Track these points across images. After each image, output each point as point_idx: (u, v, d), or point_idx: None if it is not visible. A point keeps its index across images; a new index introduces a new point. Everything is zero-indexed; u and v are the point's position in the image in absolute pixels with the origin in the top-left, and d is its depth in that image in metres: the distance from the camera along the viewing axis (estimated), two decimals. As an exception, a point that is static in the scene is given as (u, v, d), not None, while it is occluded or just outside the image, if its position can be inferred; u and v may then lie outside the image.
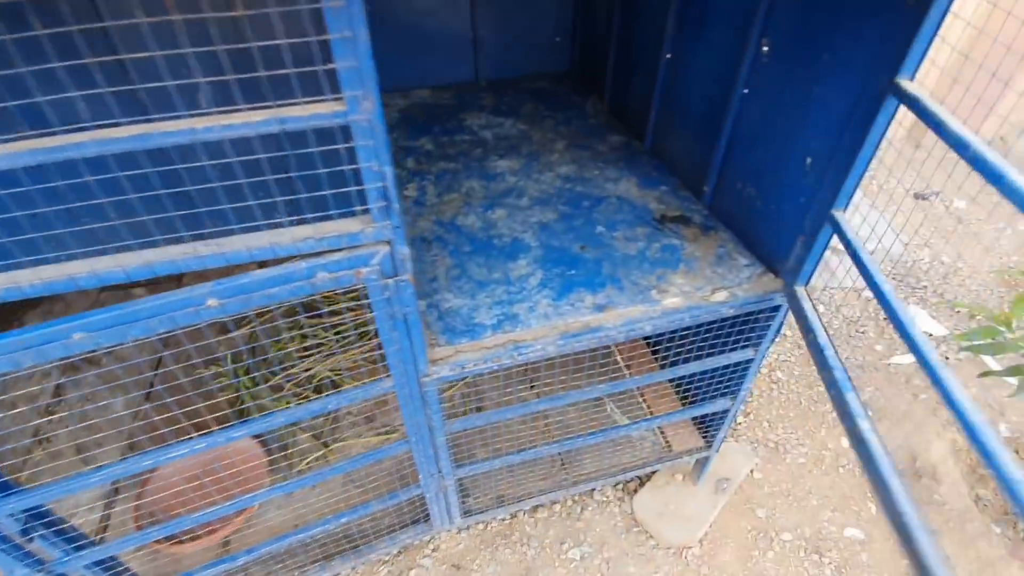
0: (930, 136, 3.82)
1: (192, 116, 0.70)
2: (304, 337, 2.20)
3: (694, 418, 1.99)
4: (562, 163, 1.91)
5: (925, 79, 1.01)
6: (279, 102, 0.74)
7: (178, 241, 0.82)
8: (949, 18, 0.93)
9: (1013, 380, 2.01)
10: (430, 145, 2.03)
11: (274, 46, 0.72)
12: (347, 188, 0.84)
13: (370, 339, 2.04)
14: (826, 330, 1.20)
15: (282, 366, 2.14)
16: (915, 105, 0.94)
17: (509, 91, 2.44)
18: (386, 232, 0.90)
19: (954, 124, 0.87)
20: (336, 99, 0.74)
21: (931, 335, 2.75)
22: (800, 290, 1.29)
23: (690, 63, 1.67)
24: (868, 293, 1.02)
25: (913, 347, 0.94)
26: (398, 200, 0.86)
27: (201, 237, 0.82)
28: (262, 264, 0.87)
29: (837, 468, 2.26)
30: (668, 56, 1.76)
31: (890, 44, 0.99)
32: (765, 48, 1.36)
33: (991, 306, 2.86)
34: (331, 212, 0.88)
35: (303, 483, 1.31)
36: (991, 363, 2.56)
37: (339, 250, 0.90)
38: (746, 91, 1.44)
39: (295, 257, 0.89)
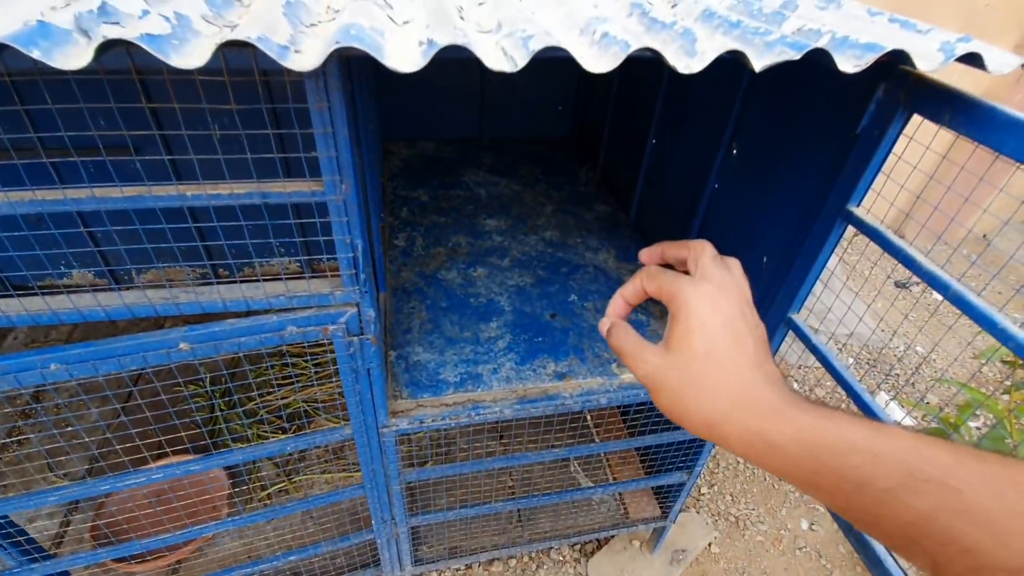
0: (911, 228, 3.91)
1: (182, 184, 0.78)
2: (285, 366, 2.26)
3: (654, 488, 2.02)
4: (548, 227, 2.00)
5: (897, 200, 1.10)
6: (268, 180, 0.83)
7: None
8: (907, 150, 1.01)
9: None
10: (426, 197, 2.14)
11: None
12: (322, 256, 0.92)
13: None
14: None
15: (259, 392, 2.18)
16: (865, 229, 1.02)
17: (509, 151, 2.56)
18: (354, 296, 0.97)
19: (896, 240, 0.96)
20: (315, 181, 0.83)
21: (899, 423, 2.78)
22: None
23: (671, 151, 1.79)
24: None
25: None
26: (367, 268, 0.94)
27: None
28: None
29: (795, 550, 2.26)
30: (653, 141, 1.88)
31: (840, 171, 1.08)
32: (735, 151, 1.46)
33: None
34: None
35: (256, 519, 1.35)
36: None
37: (309, 308, 0.97)
38: (716, 186, 1.55)
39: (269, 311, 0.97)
